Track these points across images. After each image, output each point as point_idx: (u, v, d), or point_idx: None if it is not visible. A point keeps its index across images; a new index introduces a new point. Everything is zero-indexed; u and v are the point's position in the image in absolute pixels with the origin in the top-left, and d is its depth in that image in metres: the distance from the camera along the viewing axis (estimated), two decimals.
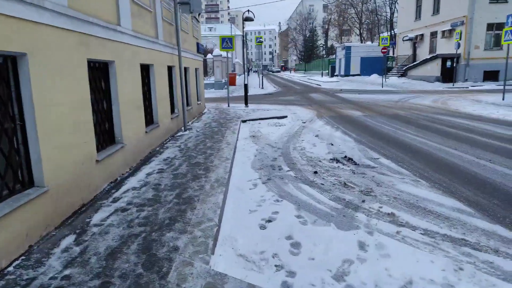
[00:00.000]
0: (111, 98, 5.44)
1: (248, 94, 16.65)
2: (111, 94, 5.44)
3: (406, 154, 7.03)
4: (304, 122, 11.29)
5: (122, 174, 5.57)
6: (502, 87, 22.99)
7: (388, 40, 25.50)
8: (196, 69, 13.21)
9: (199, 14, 13.99)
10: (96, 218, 3.93)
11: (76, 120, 4.13)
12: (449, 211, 4.29)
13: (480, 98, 16.62)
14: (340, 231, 3.81)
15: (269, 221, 4.10)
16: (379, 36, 56.26)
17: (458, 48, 24.43)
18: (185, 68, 11.23)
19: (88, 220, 3.90)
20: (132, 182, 5.25)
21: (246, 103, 15.72)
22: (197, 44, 13.28)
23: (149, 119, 7.55)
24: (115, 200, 4.45)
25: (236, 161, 6.78)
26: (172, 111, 9.52)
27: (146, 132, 6.85)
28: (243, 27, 20.35)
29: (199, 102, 13.31)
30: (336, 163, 6.56)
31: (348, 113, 13.15)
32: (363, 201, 4.62)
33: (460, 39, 24.08)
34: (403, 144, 7.94)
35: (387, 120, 11.26)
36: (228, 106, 15.95)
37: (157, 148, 7.56)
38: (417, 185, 5.20)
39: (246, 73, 18.43)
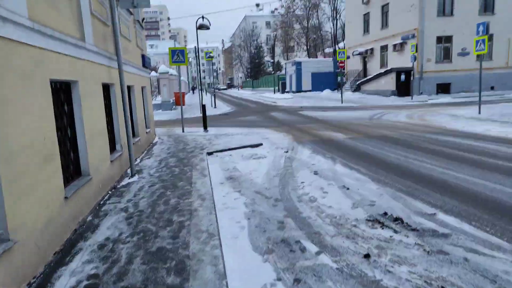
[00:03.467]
0: None
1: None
2: None
3: (462, 202, 4.94)
4: (287, 152, 8.97)
5: None
6: (458, 100, 23.20)
7: (345, 54, 24.50)
8: (142, 88, 10.34)
9: (143, 20, 11.22)
10: None
11: None
12: None
13: (453, 113, 15.65)
14: None
15: None
16: (323, 51, 57.02)
17: (415, 61, 24.13)
18: (129, 87, 8.39)
19: None
20: None
21: (205, 127, 13.07)
22: (143, 56, 10.44)
23: (73, 171, 4.65)
24: None
25: (223, 235, 4.17)
26: (113, 148, 6.63)
27: (66, 198, 3.98)
28: (197, 37, 17.85)
29: (148, 130, 10.40)
30: (382, 228, 4.24)
31: (329, 136, 11.12)
32: None
33: (416, 52, 23.78)
34: (438, 182, 5.90)
35: (381, 144, 9.35)
36: (183, 131, 13.17)
37: (89, 218, 4.64)
38: None
39: (199, 91, 15.86)
